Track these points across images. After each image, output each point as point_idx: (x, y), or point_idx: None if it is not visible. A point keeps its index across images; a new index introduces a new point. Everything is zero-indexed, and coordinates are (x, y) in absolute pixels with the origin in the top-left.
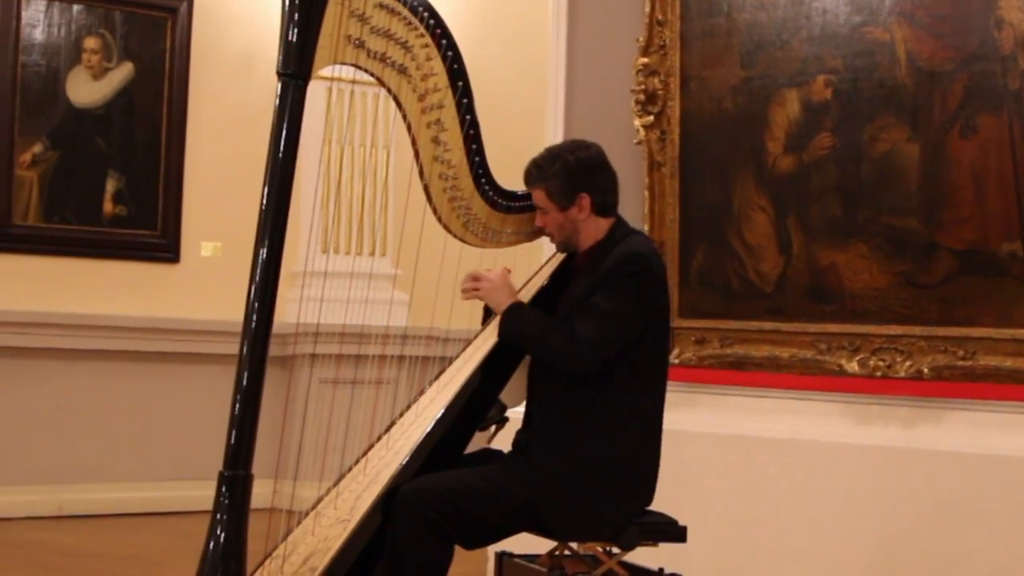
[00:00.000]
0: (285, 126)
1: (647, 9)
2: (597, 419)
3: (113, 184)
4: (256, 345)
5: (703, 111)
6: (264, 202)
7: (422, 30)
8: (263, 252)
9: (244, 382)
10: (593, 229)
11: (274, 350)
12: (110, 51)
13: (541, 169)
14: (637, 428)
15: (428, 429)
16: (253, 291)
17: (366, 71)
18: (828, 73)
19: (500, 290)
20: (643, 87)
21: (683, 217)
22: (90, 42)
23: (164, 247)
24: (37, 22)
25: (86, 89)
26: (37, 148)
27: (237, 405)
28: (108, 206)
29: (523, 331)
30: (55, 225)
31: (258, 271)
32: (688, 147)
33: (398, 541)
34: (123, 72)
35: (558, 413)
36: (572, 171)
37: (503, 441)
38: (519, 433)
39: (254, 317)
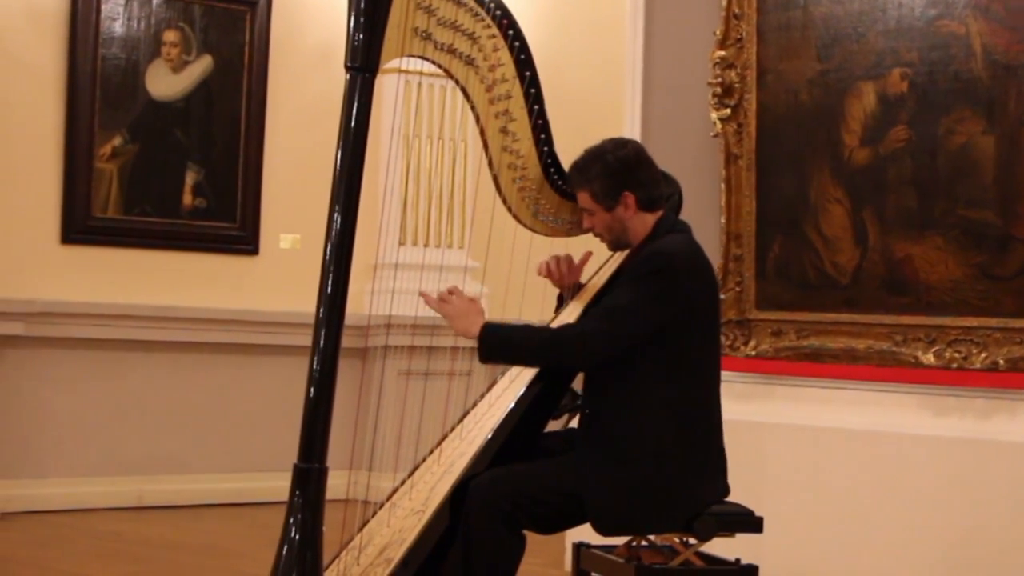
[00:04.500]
0: (354, 119)
1: (724, 3)
2: (639, 417)
3: (192, 176)
4: (329, 337)
5: (779, 104)
6: (334, 194)
7: (488, 21)
8: (333, 243)
9: (317, 375)
10: (641, 225)
11: (352, 342)
12: (189, 44)
13: (582, 172)
14: (678, 429)
15: (502, 418)
16: (324, 282)
17: (433, 63)
18: (904, 66)
19: (464, 315)
20: (720, 80)
21: (760, 209)
22: (169, 35)
23: (243, 239)
24: (117, 16)
25: (165, 82)
26: (117, 141)
27: (310, 398)
28: (187, 198)
29: (508, 346)
30: (135, 217)
31: (329, 262)
32: (765, 140)
33: (471, 533)
34: (202, 65)
35: (602, 410)
36: (613, 171)
37: None
38: None
39: (326, 308)
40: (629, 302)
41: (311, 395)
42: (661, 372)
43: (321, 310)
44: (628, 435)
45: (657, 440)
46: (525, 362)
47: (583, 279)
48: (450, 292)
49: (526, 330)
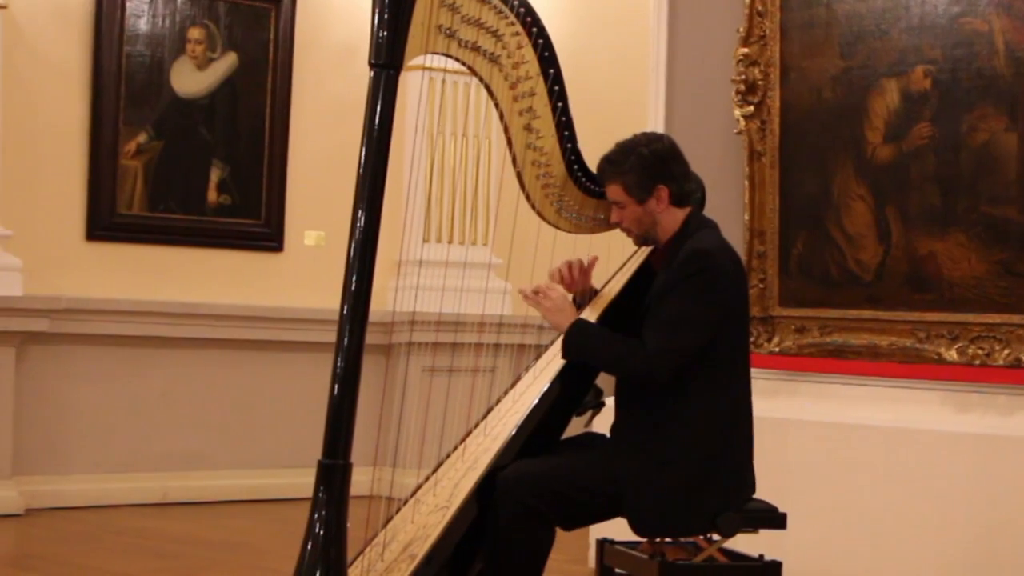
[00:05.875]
0: (378, 116)
1: (747, 0)
2: (675, 419)
3: (217, 173)
4: (353, 333)
5: (803, 101)
6: (358, 191)
7: (512, 18)
8: (357, 240)
9: (341, 371)
10: (671, 220)
11: (376, 339)
12: (214, 42)
13: (616, 164)
14: (717, 427)
15: (525, 415)
16: (348, 279)
17: (458, 60)
18: (927, 63)
19: (560, 311)
20: (743, 77)
21: (783, 206)
22: (194, 32)
23: (268, 236)
24: (142, 13)
25: (190, 79)
26: (142, 138)
27: (335, 394)
28: (212, 195)
29: (587, 349)
30: (159, 214)
31: (354, 259)
32: (788, 137)
33: (500, 528)
34: (227, 62)
35: (636, 411)
36: (648, 163)
37: (600, 426)
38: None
39: (350, 305)
40: (685, 312)
41: (335, 391)
42: (701, 372)
43: (345, 307)
44: (669, 436)
45: (698, 441)
46: (598, 366)
47: (595, 285)
48: (547, 288)
49: (603, 338)
